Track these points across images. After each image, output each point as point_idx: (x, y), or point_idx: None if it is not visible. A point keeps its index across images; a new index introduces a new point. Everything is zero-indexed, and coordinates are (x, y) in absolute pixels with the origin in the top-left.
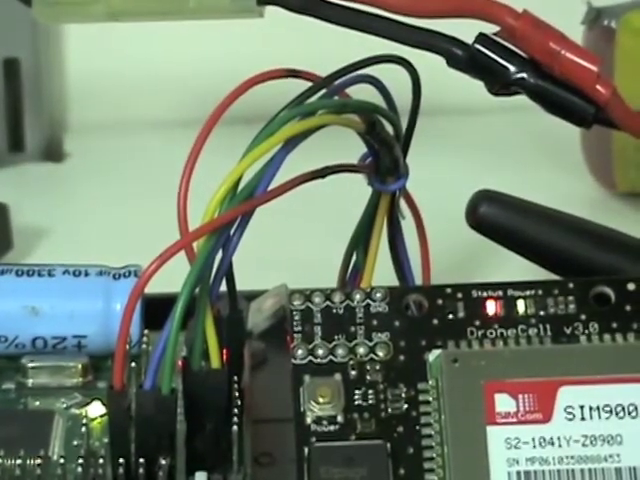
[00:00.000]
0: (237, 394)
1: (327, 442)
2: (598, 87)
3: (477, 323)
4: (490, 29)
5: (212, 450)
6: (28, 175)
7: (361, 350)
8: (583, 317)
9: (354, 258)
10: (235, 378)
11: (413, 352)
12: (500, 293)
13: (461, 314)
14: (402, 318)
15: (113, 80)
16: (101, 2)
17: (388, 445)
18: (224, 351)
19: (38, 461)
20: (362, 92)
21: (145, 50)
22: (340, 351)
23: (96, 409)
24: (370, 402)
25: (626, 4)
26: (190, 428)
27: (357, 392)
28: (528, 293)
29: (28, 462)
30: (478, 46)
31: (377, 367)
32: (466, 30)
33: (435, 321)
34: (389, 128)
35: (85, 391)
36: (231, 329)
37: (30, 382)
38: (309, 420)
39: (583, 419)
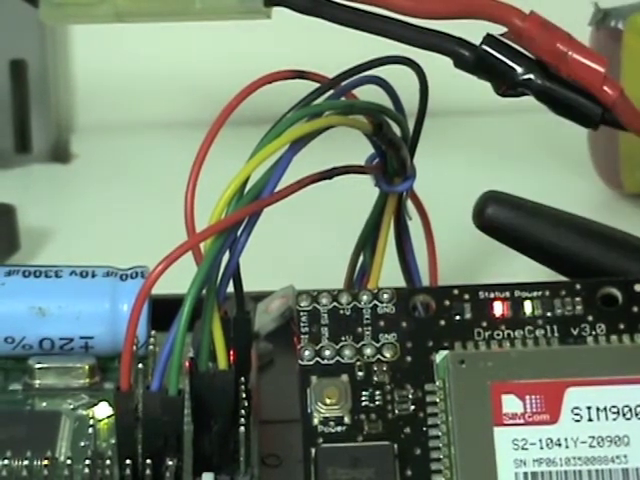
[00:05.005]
0: (244, 395)
1: (334, 443)
2: (605, 88)
3: (484, 324)
4: (497, 30)
5: (219, 451)
6: (35, 176)
7: (368, 351)
8: (590, 318)
9: (361, 259)
10: (242, 379)
11: (420, 353)
12: (507, 294)
13: (468, 315)
14: (409, 319)
15: (120, 81)
16: (107, 3)
17: (395, 446)
18: (231, 352)
19: (45, 462)
20: (369, 93)
21: (152, 51)
22: (347, 352)
23: (103, 410)
24: (377, 403)
25: (633, 5)
26: (197, 429)
27: (364, 393)
28: (535, 294)
29: (35, 463)
30: (485, 47)
31: (384, 368)
32: (473, 31)
33: (442, 322)
34: (396, 129)
35: (92, 392)
36: (238, 330)
37: (37, 383)
38: (316, 421)
39: (590, 420)
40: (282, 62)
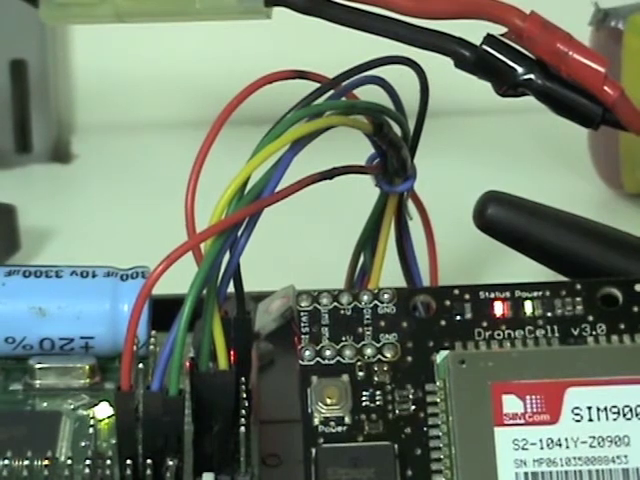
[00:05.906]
0: (244, 395)
1: (334, 443)
2: (605, 88)
3: (484, 324)
4: (498, 30)
5: (219, 451)
6: (35, 176)
7: (369, 351)
8: (590, 318)
9: (362, 259)
10: (242, 379)
11: (420, 353)
12: (507, 294)
13: (468, 315)
14: (410, 319)
15: (120, 81)
16: (107, 3)
17: (395, 446)
18: (231, 352)
19: (45, 462)
20: (370, 93)
21: (152, 51)
22: (348, 352)
23: (103, 410)
24: (378, 403)
25: (633, 5)
26: (197, 429)
27: (364, 393)
28: (535, 294)
29: (35, 463)
30: (486, 47)
31: (385, 368)
32: (474, 31)
33: (442, 322)
34: (397, 129)
35: (92, 392)
36: (239, 330)
37: (37, 383)
38: (316, 421)
39: (590, 420)
40: (282, 62)
